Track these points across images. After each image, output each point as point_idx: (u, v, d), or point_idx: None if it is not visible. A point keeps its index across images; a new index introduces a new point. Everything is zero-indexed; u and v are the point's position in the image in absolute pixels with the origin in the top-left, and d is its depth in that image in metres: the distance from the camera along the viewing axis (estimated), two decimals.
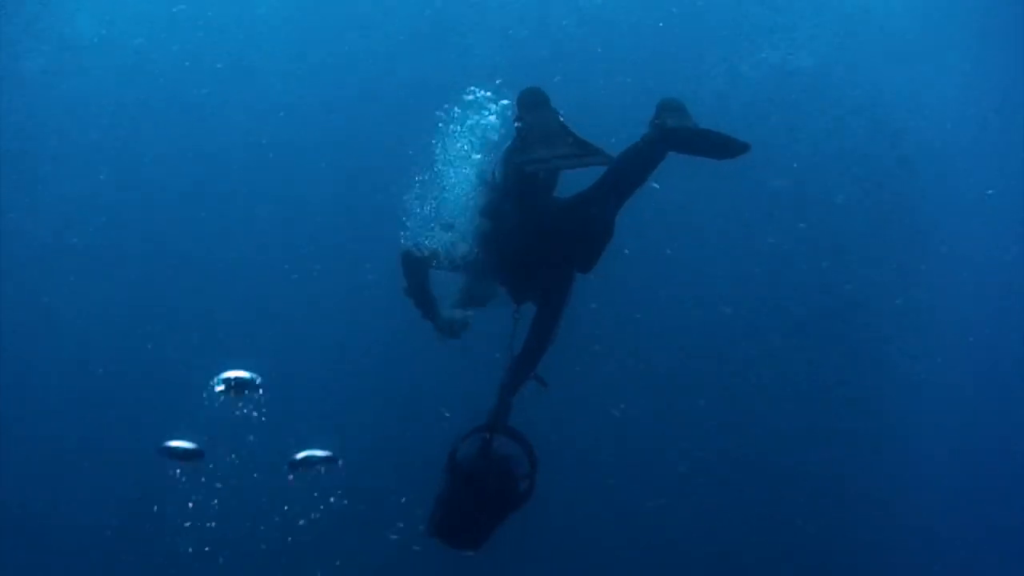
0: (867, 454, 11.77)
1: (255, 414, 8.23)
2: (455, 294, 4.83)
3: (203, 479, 9.03)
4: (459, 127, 4.97)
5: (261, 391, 6.01)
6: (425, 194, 4.85)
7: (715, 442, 11.39)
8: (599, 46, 12.06)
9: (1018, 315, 12.80)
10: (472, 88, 5.07)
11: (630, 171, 4.34)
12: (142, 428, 9.27)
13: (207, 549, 9.44)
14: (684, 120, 4.28)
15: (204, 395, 6.40)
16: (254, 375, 5.96)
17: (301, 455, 6.82)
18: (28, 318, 10.89)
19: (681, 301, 11.68)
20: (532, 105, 4.16)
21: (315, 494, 9.32)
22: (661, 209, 10.19)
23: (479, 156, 4.83)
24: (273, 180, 11.70)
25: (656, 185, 4.52)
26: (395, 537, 9.66)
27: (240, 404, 8.22)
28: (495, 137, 4.86)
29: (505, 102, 4.92)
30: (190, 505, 9.13)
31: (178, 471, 8.83)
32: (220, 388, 5.96)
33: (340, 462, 6.93)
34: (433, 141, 4.97)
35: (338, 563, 9.75)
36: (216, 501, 9.19)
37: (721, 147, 4.29)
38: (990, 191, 12.76)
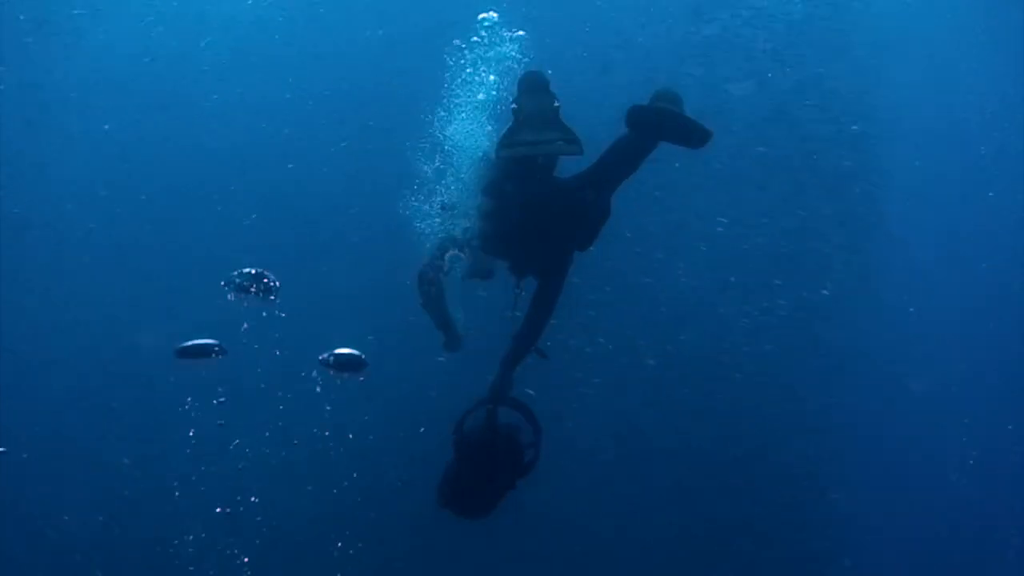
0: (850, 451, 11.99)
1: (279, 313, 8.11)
2: (460, 268, 4.94)
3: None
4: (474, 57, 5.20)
5: (276, 290, 5.80)
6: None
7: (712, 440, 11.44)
8: None
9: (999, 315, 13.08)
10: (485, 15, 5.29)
11: (623, 157, 4.50)
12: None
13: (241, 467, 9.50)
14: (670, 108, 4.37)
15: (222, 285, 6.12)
16: (266, 272, 5.78)
17: (329, 354, 6.30)
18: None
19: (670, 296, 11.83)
20: (531, 89, 4.33)
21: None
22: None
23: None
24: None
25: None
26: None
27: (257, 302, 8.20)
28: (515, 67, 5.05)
29: (521, 33, 5.11)
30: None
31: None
32: (235, 284, 5.76)
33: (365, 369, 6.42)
34: (446, 75, 5.16)
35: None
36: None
37: (685, 133, 4.34)
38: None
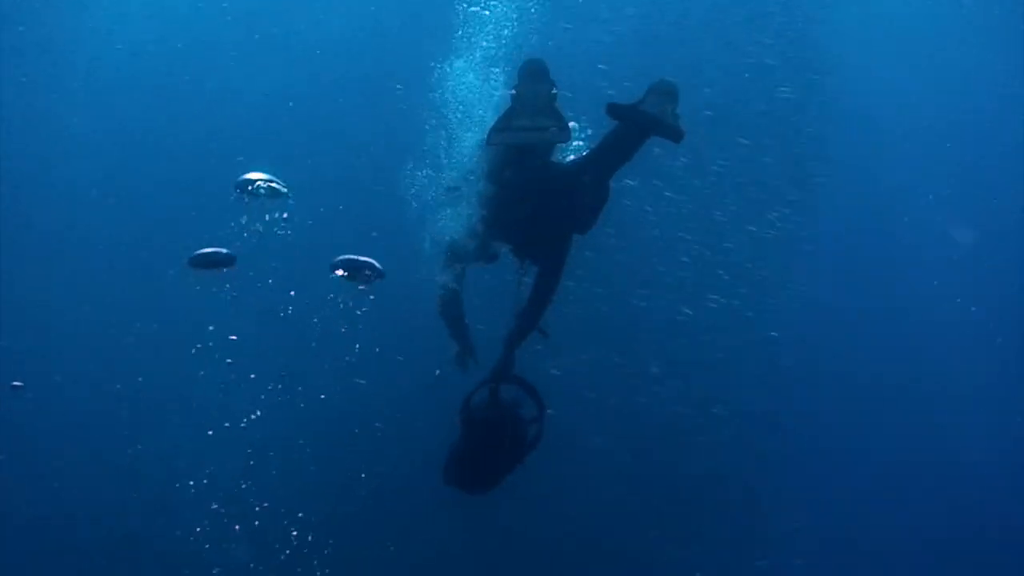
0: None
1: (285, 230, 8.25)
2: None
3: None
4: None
5: (287, 196, 5.87)
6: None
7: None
8: None
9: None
10: None
11: (619, 144, 4.68)
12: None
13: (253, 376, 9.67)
14: (662, 105, 4.53)
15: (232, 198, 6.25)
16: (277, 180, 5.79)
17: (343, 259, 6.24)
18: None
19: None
20: (530, 76, 4.48)
21: None
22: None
23: None
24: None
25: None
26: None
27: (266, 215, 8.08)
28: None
29: None
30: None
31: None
32: (247, 189, 5.76)
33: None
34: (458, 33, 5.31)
35: None
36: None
37: (662, 131, 4.54)
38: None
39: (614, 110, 4.54)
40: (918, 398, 13.05)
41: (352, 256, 5.89)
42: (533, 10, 6.02)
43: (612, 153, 4.70)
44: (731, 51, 12.02)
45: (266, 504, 9.56)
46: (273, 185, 5.77)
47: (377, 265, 5.87)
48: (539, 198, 4.63)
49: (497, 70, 5.31)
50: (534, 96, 4.40)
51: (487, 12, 5.82)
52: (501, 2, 5.93)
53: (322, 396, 10.03)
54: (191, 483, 9.88)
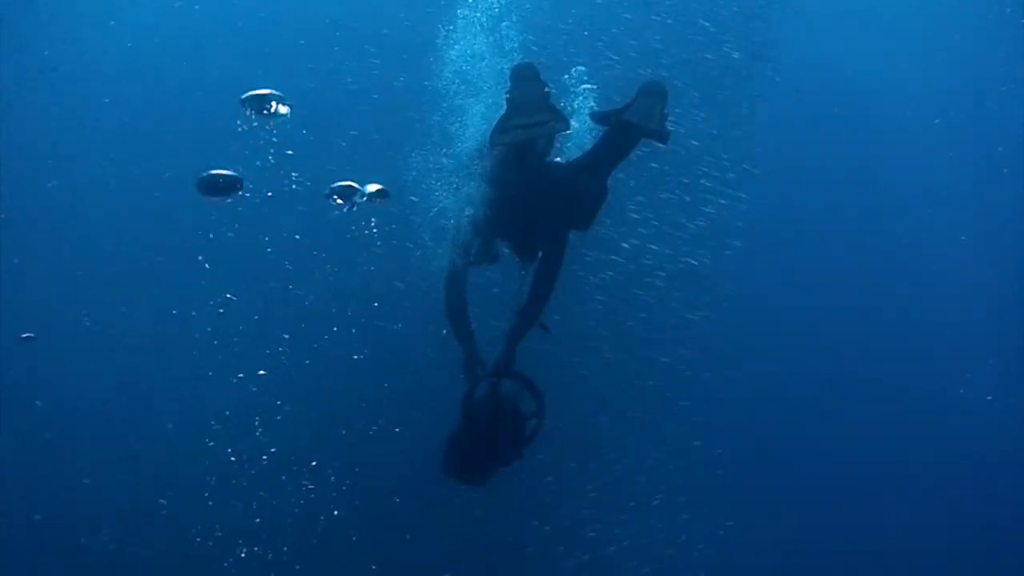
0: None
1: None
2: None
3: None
4: None
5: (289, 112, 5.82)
6: None
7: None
8: None
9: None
10: None
11: (610, 146, 4.87)
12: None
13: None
14: (648, 109, 4.68)
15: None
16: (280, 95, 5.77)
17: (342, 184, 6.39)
18: None
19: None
20: (522, 78, 4.66)
21: None
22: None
23: None
24: None
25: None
26: None
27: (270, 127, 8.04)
28: None
29: None
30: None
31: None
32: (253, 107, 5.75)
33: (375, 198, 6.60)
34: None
35: None
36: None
37: (647, 134, 4.73)
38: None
39: (596, 117, 4.77)
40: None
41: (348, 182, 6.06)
42: None
43: (608, 153, 4.86)
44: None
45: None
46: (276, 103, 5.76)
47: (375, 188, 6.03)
48: (539, 199, 4.78)
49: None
50: (527, 96, 4.56)
51: None
52: None
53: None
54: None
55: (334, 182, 6.42)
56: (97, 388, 10.67)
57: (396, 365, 10.05)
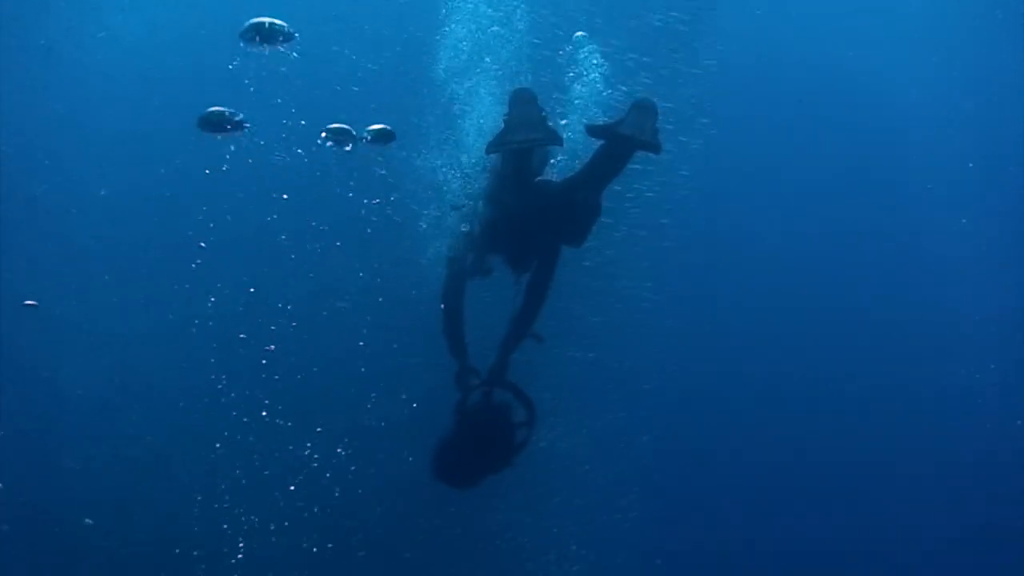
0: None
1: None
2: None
3: None
4: None
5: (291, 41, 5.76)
6: None
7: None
8: None
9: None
10: None
11: (604, 162, 5.06)
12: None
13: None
14: (641, 123, 4.88)
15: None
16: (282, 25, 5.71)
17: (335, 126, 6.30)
18: None
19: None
20: (520, 102, 4.87)
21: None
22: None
23: None
24: None
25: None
26: None
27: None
28: None
29: None
30: None
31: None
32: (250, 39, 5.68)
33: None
34: None
35: None
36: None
37: (641, 147, 4.93)
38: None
39: (593, 131, 4.94)
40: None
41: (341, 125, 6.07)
42: None
43: (602, 169, 5.06)
44: None
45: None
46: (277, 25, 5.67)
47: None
48: (534, 217, 5.01)
49: None
50: (524, 116, 4.78)
51: None
52: None
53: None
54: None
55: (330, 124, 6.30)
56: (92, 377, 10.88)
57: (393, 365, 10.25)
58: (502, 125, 4.81)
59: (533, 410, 4.97)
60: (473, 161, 5.44)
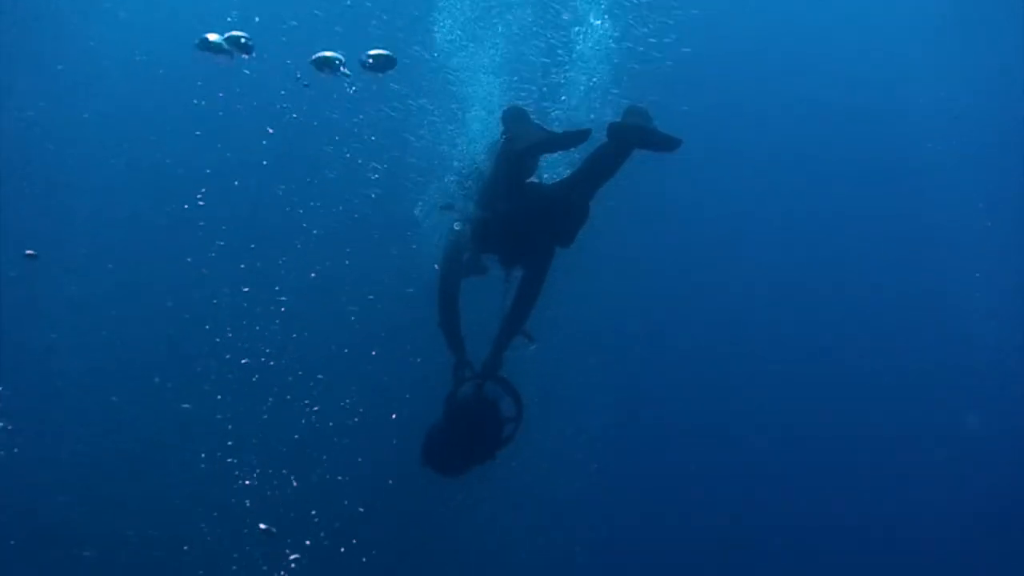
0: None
1: None
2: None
3: None
4: None
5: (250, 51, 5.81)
6: None
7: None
8: None
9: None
10: None
11: (601, 165, 5.25)
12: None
13: None
14: (642, 123, 5.14)
15: None
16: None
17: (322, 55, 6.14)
18: None
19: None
20: (515, 119, 5.17)
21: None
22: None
23: None
24: None
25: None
26: None
27: None
28: None
29: None
30: None
31: None
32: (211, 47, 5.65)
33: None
34: None
35: None
36: None
37: (662, 143, 5.14)
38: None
39: (623, 131, 5.08)
40: None
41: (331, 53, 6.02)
42: None
43: (596, 172, 5.25)
44: None
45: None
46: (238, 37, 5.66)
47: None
48: (526, 219, 5.21)
49: None
50: (526, 130, 5.05)
51: None
52: None
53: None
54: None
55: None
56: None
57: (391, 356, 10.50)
58: (504, 139, 5.03)
59: (520, 407, 5.15)
60: (466, 162, 5.65)
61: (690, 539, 12.02)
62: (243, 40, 5.86)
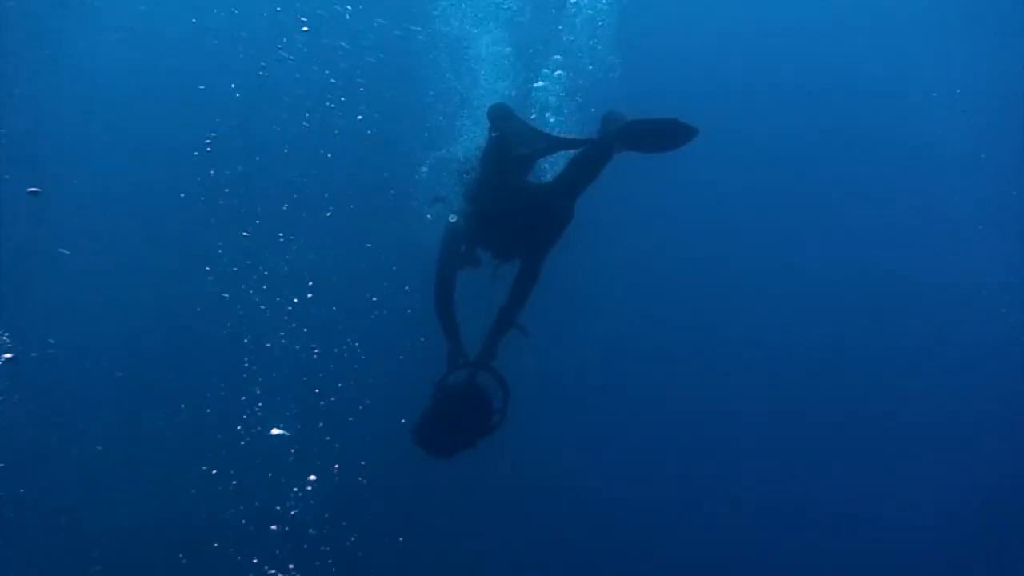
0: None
1: None
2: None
3: None
4: None
5: None
6: None
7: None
8: None
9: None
10: None
11: (585, 169, 5.38)
12: None
13: None
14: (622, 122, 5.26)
15: None
16: None
17: None
18: None
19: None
20: (501, 117, 5.26)
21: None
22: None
23: None
24: None
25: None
26: None
27: None
28: None
29: None
30: None
31: None
32: None
33: None
34: None
35: None
36: None
37: (671, 135, 5.24)
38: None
39: (632, 126, 5.19)
40: None
41: None
42: None
43: (581, 175, 5.39)
44: None
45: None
46: None
47: None
48: (512, 217, 5.35)
49: None
50: (516, 128, 5.15)
51: None
52: None
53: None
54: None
55: None
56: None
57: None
58: (493, 137, 5.13)
59: (507, 398, 5.26)
60: (465, 156, 5.75)
61: (690, 539, 12.06)
62: None
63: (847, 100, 14.23)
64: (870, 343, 13.49)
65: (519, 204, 5.35)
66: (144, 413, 11.10)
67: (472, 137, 6.10)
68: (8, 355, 10.43)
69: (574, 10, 7.59)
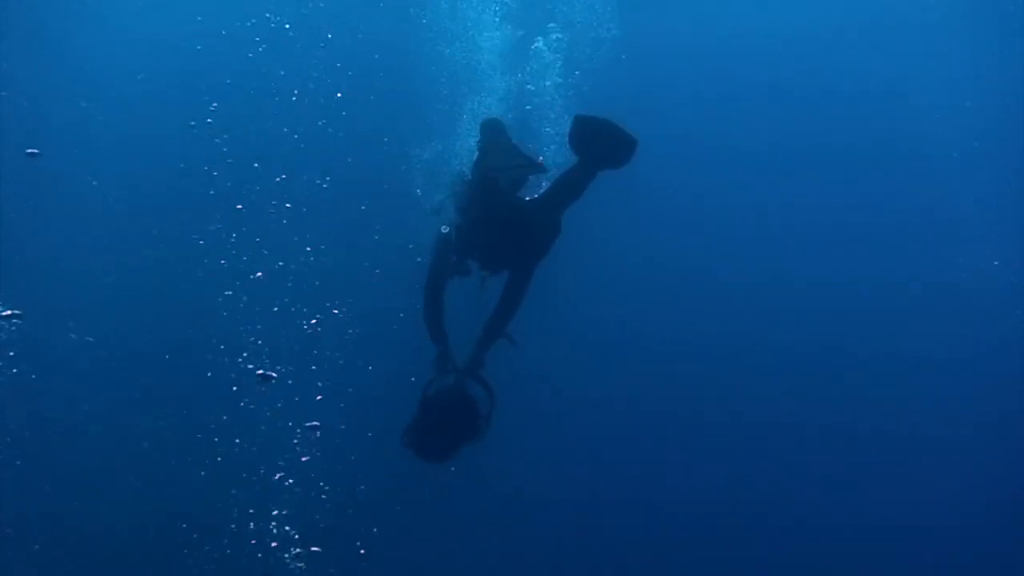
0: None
1: None
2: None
3: None
4: None
5: None
6: None
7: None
8: None
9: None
10: None
11: (570, 186, 5.59)
12: None
13: None
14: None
15: None
16: None
17: None
18: None
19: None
20: (491, 130, 5.53)
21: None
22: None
23: None
24: None
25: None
26: None
27: None
28: None
29: None
30: None
31: None
32: None
33: None
34: None
35: None
36: None
37: (613, 142, 5.41)
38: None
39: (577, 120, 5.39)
40: None
41: None
42: None
43: (567, 190, 5.58)
44: None
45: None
46: None
47: None
48: (501, 231, 5.50)
49: None
50: (497, 143, 5.37)
51: None
52: None
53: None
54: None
55: None
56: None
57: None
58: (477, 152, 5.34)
59: (492, 406, 5.35)
60: (462, 167, 5.90)
61: (690, 539, 12.13)
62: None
63: (847, 100, 14.28)
64: (870, 344, 13.53)
65: (507, 218, 5.50)
66: (144, 413, 11.22)
67: (468, 136, 6.22)
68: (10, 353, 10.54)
69: None
